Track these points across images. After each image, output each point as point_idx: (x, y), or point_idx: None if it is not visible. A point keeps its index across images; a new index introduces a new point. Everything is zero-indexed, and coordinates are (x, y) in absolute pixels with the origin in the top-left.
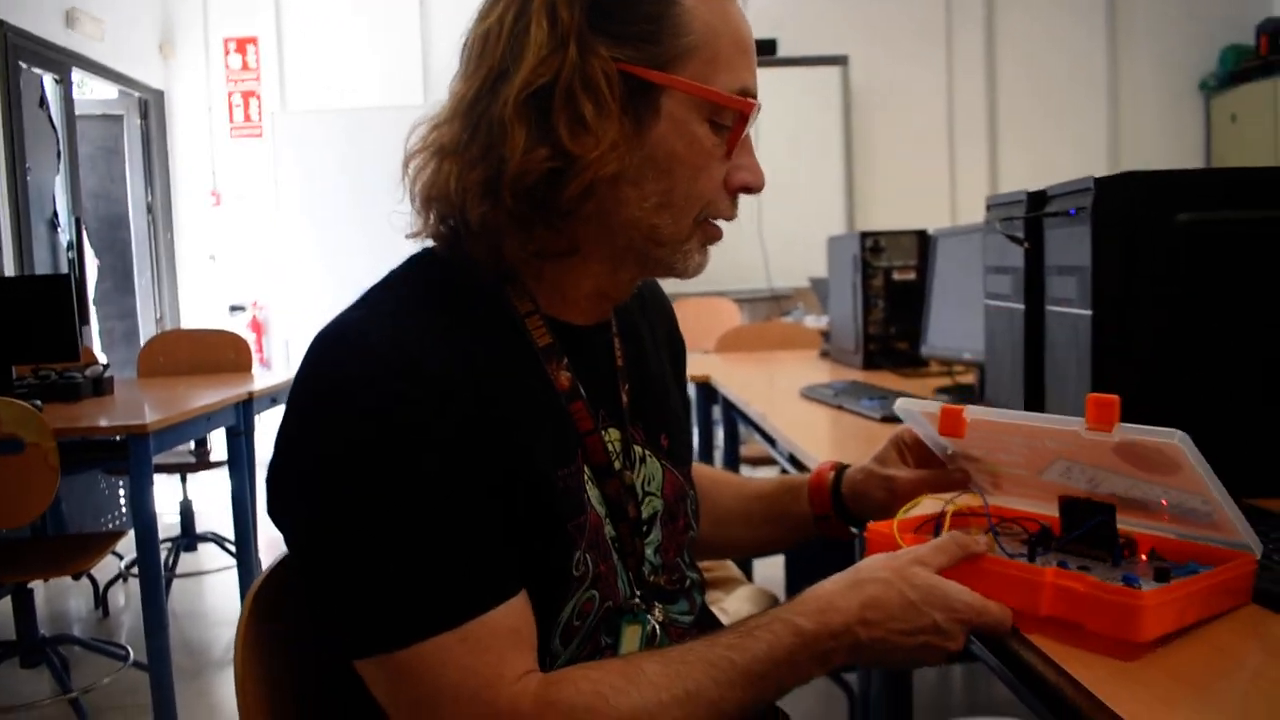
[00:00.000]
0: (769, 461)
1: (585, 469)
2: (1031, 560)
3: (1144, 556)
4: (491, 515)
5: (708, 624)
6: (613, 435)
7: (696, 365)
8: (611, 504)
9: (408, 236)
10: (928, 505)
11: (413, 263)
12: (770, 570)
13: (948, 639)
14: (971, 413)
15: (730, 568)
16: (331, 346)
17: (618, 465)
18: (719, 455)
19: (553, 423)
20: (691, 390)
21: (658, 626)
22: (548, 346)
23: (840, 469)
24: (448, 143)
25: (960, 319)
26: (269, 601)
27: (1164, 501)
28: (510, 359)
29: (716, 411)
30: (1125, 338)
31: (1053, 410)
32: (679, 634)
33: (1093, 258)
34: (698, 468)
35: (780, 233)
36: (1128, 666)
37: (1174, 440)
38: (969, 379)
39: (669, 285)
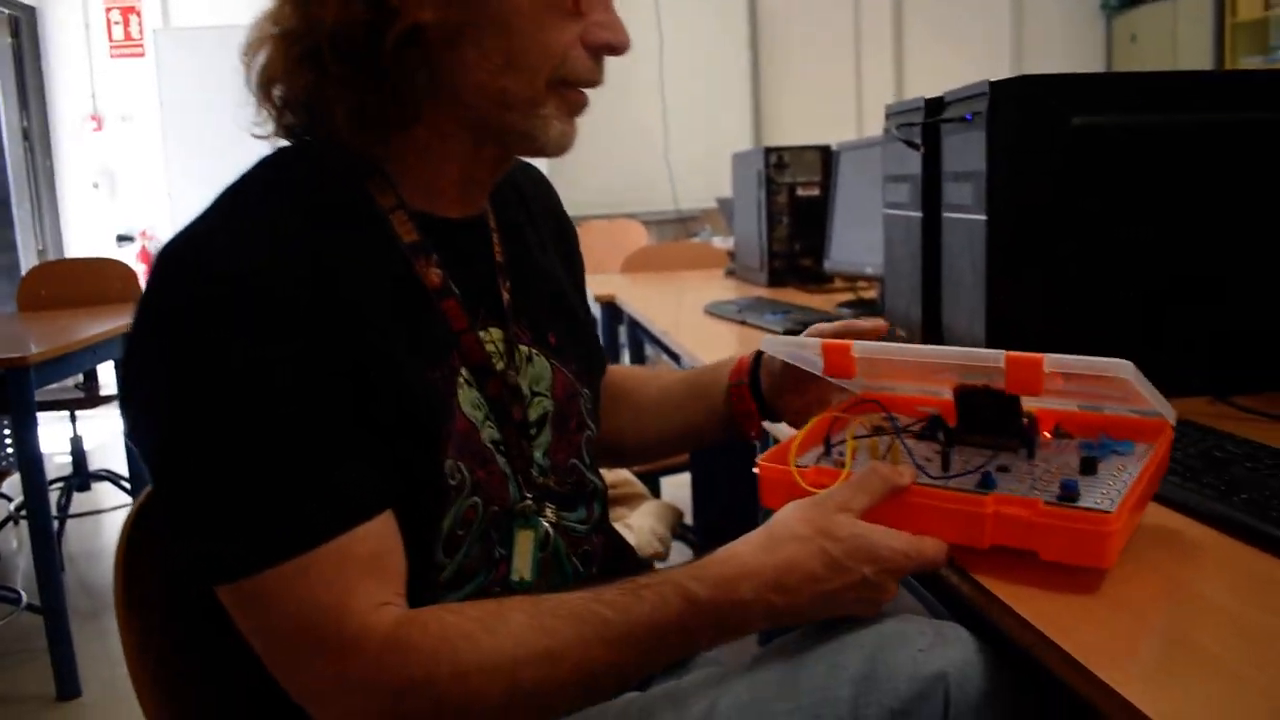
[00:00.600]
0: None
1: (461, 371)
2: (946, 468)
3: (1048, 434)
4: (343, 433)
5: (608, 536)
6: (494, 334)
7: (602, 286)
8: (494, 406)
9: (256, 136)
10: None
11: (266, 162)
12: (677, 491)
13: (878, 591)
14: (862, 349)
15: (635, 484)
16: (172, 263)
17: (500, 365)
18: None
19: (421, 324)
20: (597, 310)
21: (550, 529)
22: (415, 243)
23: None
24: (275, 22)
25: (863, 233)
26: (146, 531)
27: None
28: (372, 258)
29: (623, 333)
30: (1020, 242)
31: (949, 319)
32: (575, 542)
33: (988, 162)
34: (620, 369)
35: (686, 153)
36: (1074, 599)
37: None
38: (872, 294)
39: (572, 204)
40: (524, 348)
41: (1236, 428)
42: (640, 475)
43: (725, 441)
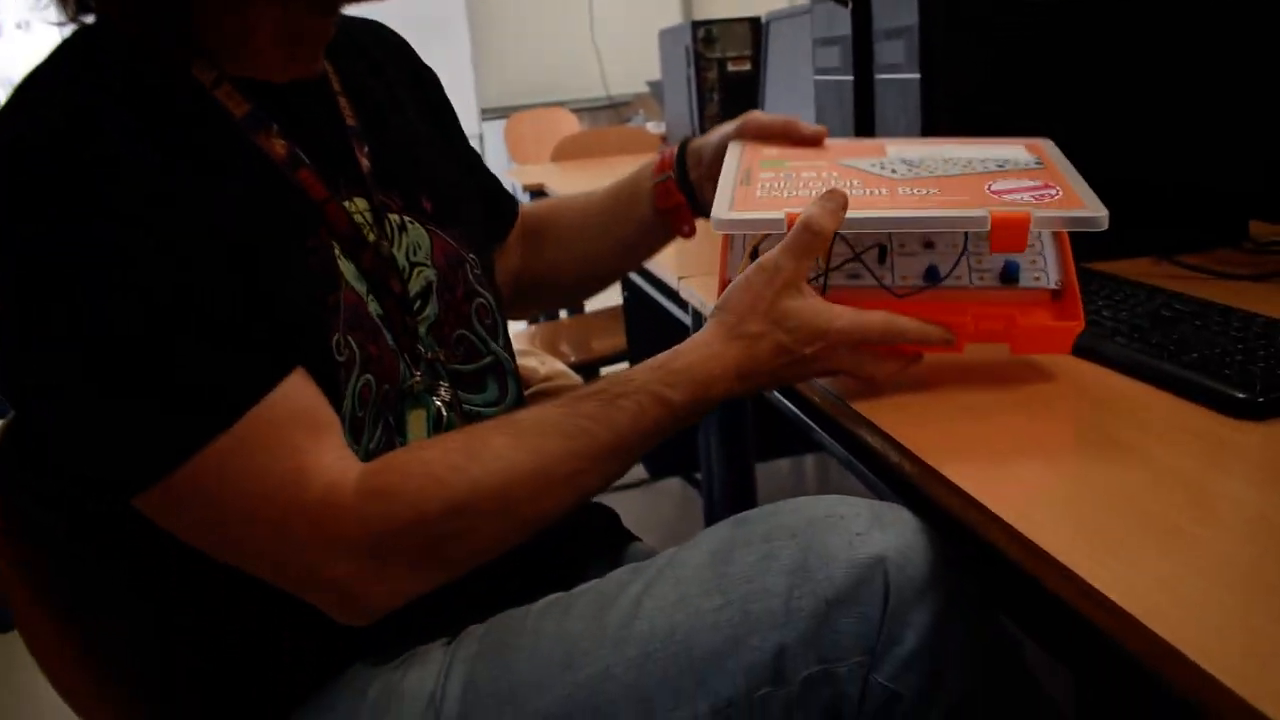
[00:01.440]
0: None
1: (334, 244)
2: (883, 260)
3: None
4: (228, 302)
5: None
6: (359, 205)
7: (531, 176)
8: (371, 279)
9: (51, 24)
10: None
11: (65, 50)
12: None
13: (821, 364)
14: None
15: (569, 375)
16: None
17: (371, 237)
18: None
19: (279, 199)
20: (514, 190)
21: (443, 408)
22: (249, 115)
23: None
24: None
25: (796, 106)
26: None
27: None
28: (206, 137)
29: None
30: (955, 101)
31: None
32: None
33: (920, 15)
34: (538, 203)
35: (615, 35)
36: (1019, 471)
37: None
38: None
39: (499, 96)
40: (394, 216)
41: (1183, 286)
42: (578, 366)
43: (659, 249)
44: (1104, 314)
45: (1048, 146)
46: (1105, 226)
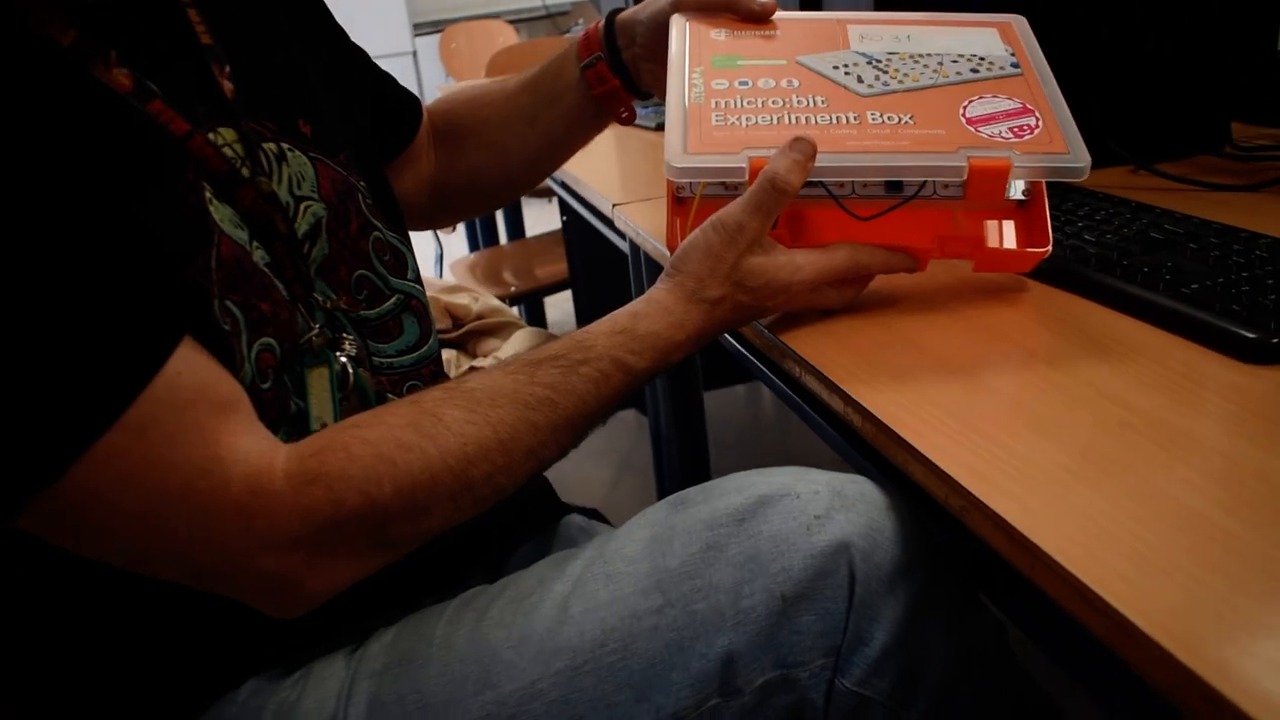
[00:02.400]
0: (548, 194)
1: (205, 186)
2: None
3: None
4: (85, 269)
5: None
6: (225, 135)
7: None
8: (253, 221)
9: None
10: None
11: None
12: (558, 312)
13: (790, 305)
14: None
15: (505, 311)
16: None
17: (246, 171)
18: None
19: (129, 139)
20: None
21: (349, 364)
22: (78, 41)
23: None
24: None
25: None
26: None
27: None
28: (27, 75)
29: None
30: None
31: None
32: (398, 378)
33: None
34: (448, 99)
35: None
36: (1001, 439)
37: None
38: None
39: (431, 9)
40: (270, 145)
41: (1168, 200)
42: (516, 300)
43: (592, 138)
44: (1085, 237)
45: (1020, 29)
46: (1087, 175)
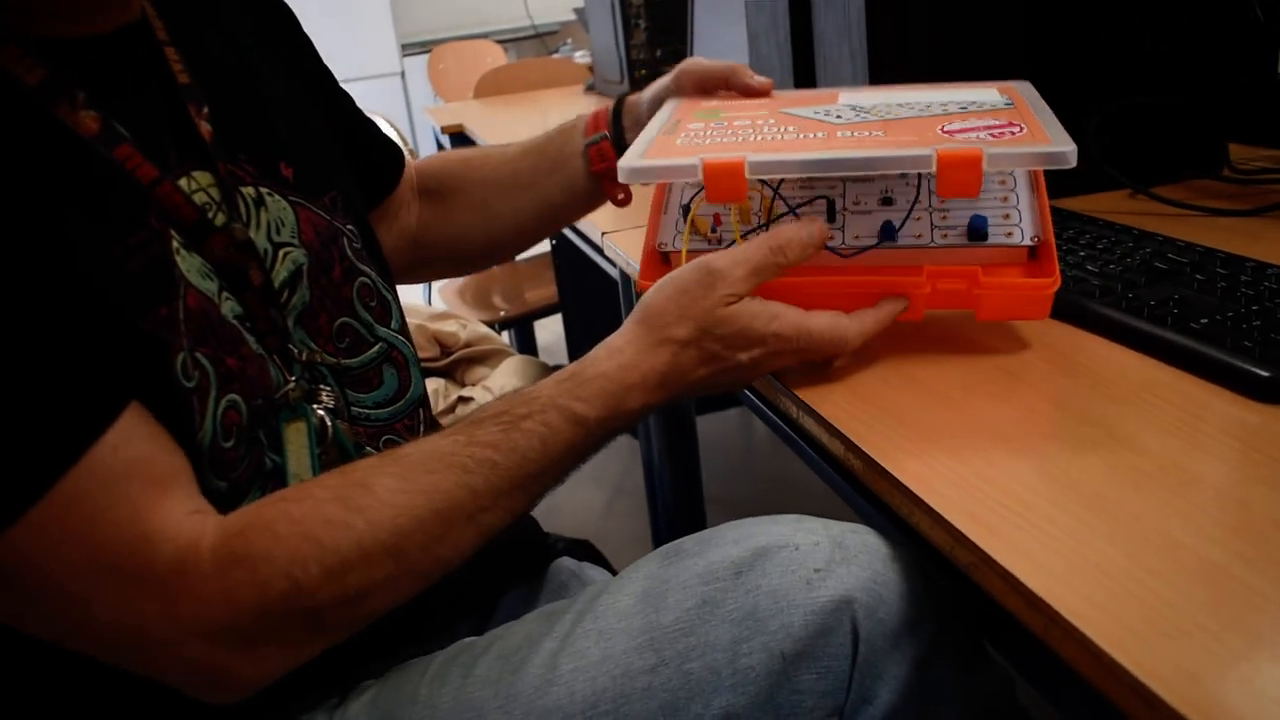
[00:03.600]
0: None
1: (172, 236)
2: (832, 217)
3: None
4: (27, 329)
5: (428, 412)
6: (200, 180)
7: (451, 116)
8: (225, 270)
9: None
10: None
11: None
12: (548, 335)
13: (757, 370)
14: (758, 166)
15: (494, 339)
16: None
17: (220, 219)
18: None
19: (91, 188)
20: (444, 142)
21: (327, 417)
22: (46, 81)
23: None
24: None
25: (726, 29)
26: None
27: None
28: None
29: None
30: (901, 15)
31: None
32: (376, 430)
33: None
34: (442, 158)
35: None
36: (1012, 489)
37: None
38: None
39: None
40: (248, 189)
41: (1168, 226)
42: (506, 324)
43: (587, 213)
44: (1088, 267)
45: (1023, 88)
46: (1074, 163)
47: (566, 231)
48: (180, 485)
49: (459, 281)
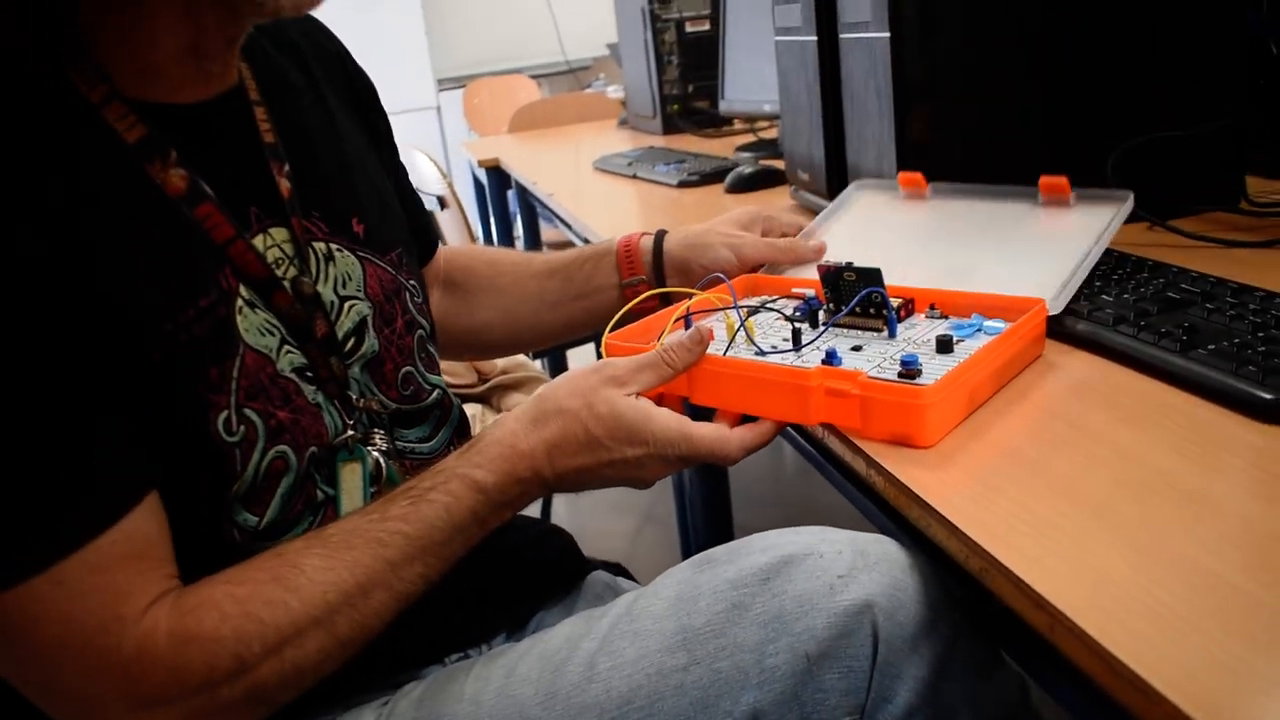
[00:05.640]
0: (566, 243)
1: (240, 292)
2: (797, 346)
3: (923, 314)
4: (81, 411)
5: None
6: (276, 236)
7: (487, 149)
8: (290, 324)
9: None
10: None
11: None
12: (581, 363)
13: (642, 470)
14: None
15: (529, 366)
16: None
17: (290, 273)
18: (520, 246)
19: (170, 246)
20: (479, 176)
21: (381, 459)
22: (143, 140)
23: (661, 232)
24: None
25: (758, 68)
26: None
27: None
28: (86, 171)
29: (513, 199)
30: (927, 59)
31: (854, 155)
32: (416, 466)
33: None
34: (477, 254)
35: None
36: (1021, 498)
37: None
38: (773, 134)
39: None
40: (320, 245)
41: (1183, 258)
42: (540, 353)
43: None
44: (1104, 297)
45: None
46: None
47: None
48: (160, 568)
49: None
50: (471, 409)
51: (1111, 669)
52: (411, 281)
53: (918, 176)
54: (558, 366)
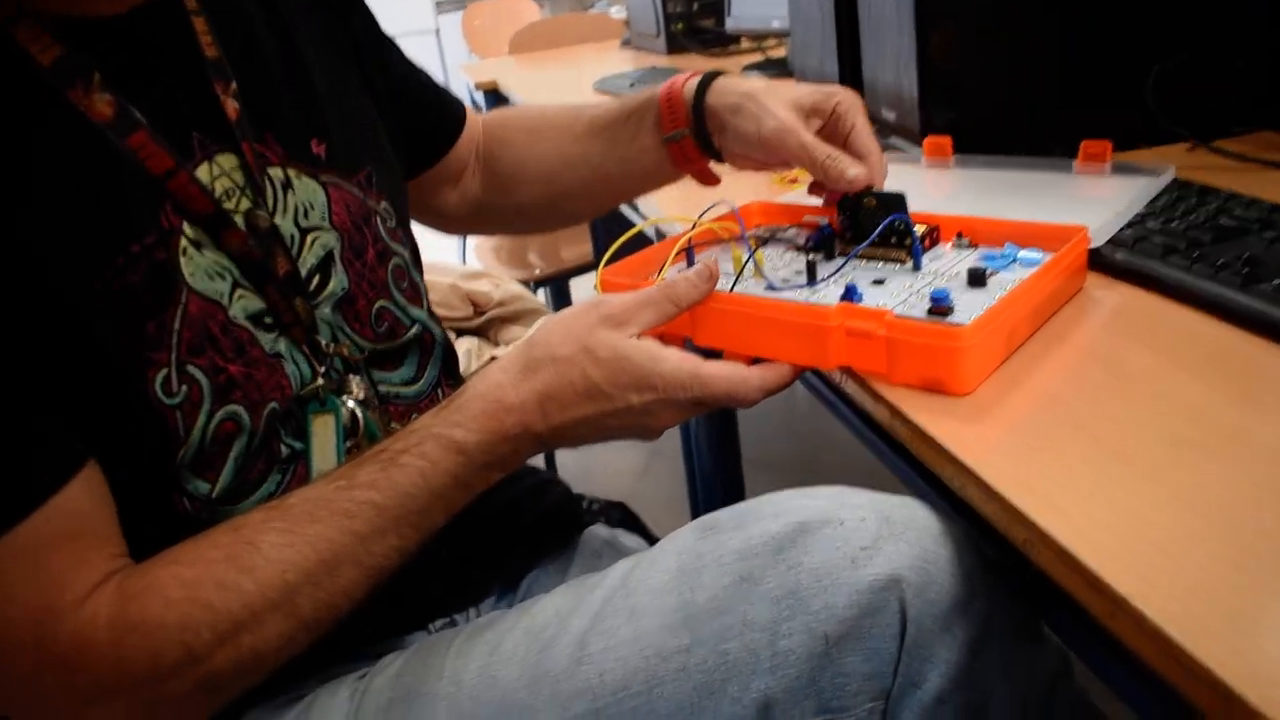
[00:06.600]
0: None
1: (184, 230)
2: (812, 281)
3: (949, 244)
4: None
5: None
6: (224, 164)
7: (485, 71)
8: (246, 264)
9: None
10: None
11: None
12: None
13: (650, 418)
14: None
15: (528, 298)
16: None
17: (243, 205)
18: None
19: (95, 183)
20: (479, 100)
21: (358, 409)
22: (60, 61)
23: (709, 75)
24: None
25: None
26: None
27: None
28: None
29: None
30: None
31: (870, 72)
32: (404, 409)
33: None
34: (502, 121)
35: None
36: (1072, 457)
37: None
38: (782, 52)
39: None
40: (276, 171)
41: (1232, 182)
42: (542, 282)
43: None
44: (1149, 224)
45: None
46: None
47: None
48: (102, 548)
49: (494, 240)
50: (467, 343)
51: (1180, 664)
52: (383, 204)
53: (944, 142)
54: (561, 300)
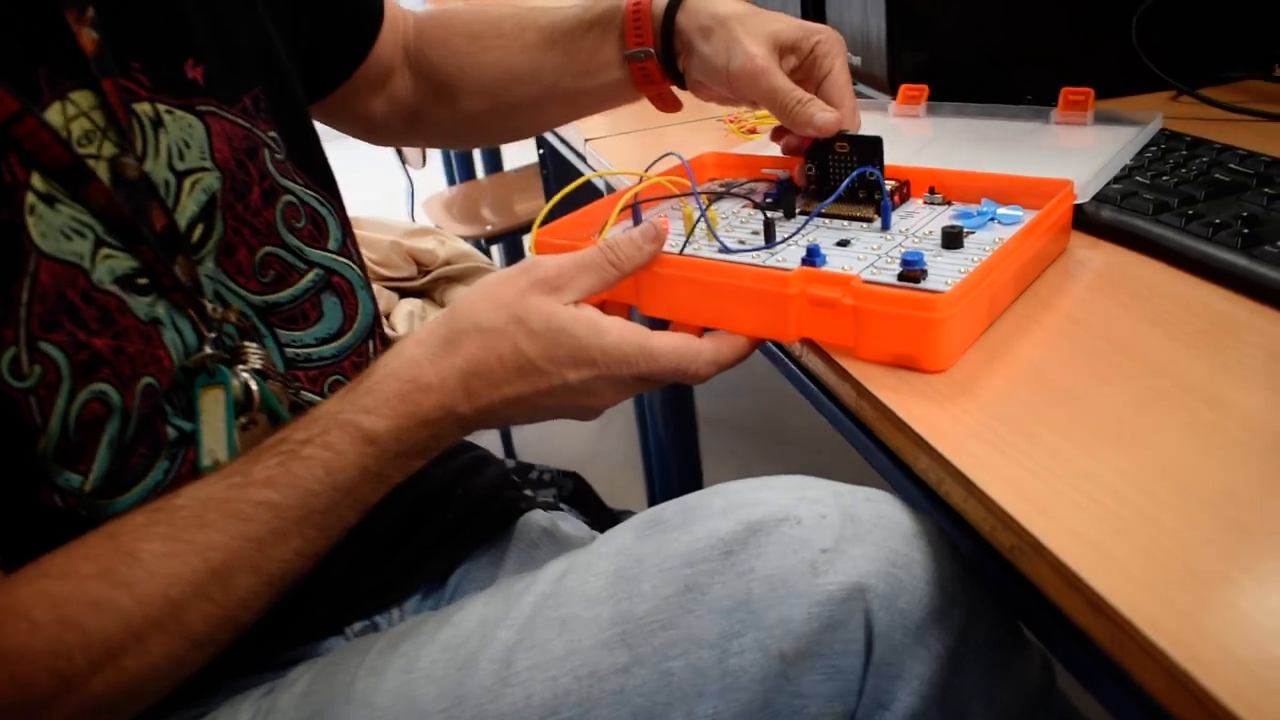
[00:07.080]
0: None
1: (32, 184)
2: (770, 242)
3: (920, 200)
4: None
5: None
6: (81, 103)
7: None
8: (112, 220)
9: None
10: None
11: None
12: None
13: (589, 398)
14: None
15: (475, 255)
16: None
17: (106, 150)
18: None
19: None
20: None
21: (253, 380)
22: None
23: None
24: None
25: None
26: None
27: None
28: None
29: None
30: None
31: (834, 17)
32: (314, 377)
33: None
34: (443, 23)
35: None
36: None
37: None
38: None
39: None
40: (144, 106)
41: (1220, 133)
42: (502, 234)
43: (616, 107)
44: (1138, 177)
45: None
46: None
47: (551, 138)
48: None
49: (446, 193)
50: (410, 305)
51: (1194, 697)
52: (271, 134)
53: (921, 90)
54: (514, 255)
